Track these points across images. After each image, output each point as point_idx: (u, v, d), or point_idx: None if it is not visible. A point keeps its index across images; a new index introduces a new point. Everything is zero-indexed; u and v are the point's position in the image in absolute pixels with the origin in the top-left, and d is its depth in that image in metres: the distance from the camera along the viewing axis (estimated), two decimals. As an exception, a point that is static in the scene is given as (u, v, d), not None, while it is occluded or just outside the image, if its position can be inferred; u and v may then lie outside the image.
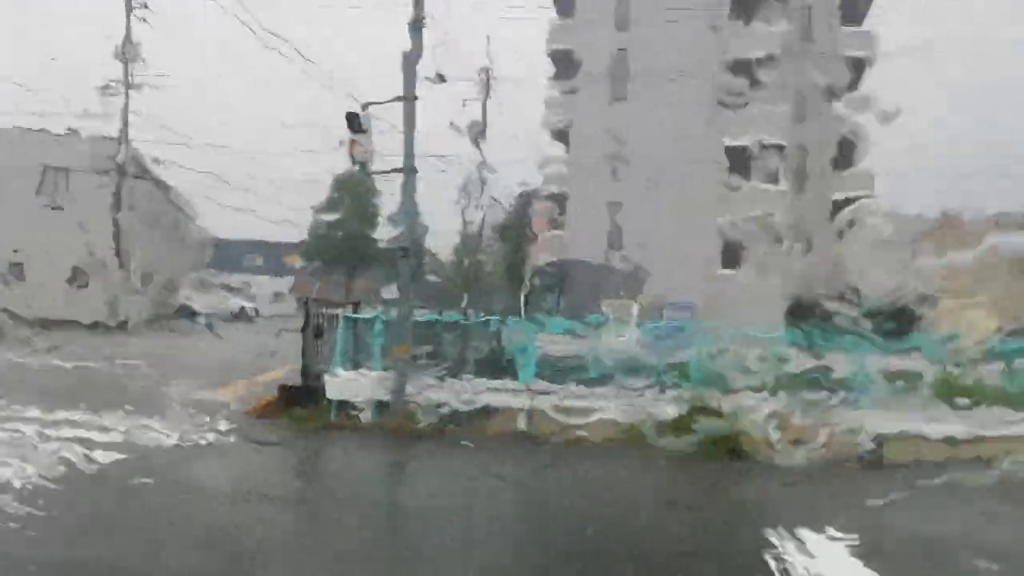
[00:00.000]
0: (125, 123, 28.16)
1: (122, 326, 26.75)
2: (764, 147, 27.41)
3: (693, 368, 12.11)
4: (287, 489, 8.53)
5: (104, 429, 9.46)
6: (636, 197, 27.72)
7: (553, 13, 32.14)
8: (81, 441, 8.65)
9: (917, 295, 11.90)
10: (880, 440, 10.34)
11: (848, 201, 27.31)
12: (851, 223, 25.38)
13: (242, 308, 35.72)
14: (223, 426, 10.34)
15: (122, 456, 8.39)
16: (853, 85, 28.89)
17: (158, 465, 8.37)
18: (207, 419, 10.52)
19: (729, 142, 27.84)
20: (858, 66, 28.43)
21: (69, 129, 28.03)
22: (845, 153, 28.49)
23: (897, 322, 13.99)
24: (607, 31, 29.59)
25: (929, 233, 20.99)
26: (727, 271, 26.88)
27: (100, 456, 8.25)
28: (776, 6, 27.45)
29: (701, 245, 26.88)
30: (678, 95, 26.61)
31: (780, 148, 27.65)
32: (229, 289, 36.60)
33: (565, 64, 31.04)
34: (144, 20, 27.67)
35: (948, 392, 10.52)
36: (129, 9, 27.63)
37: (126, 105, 27.88)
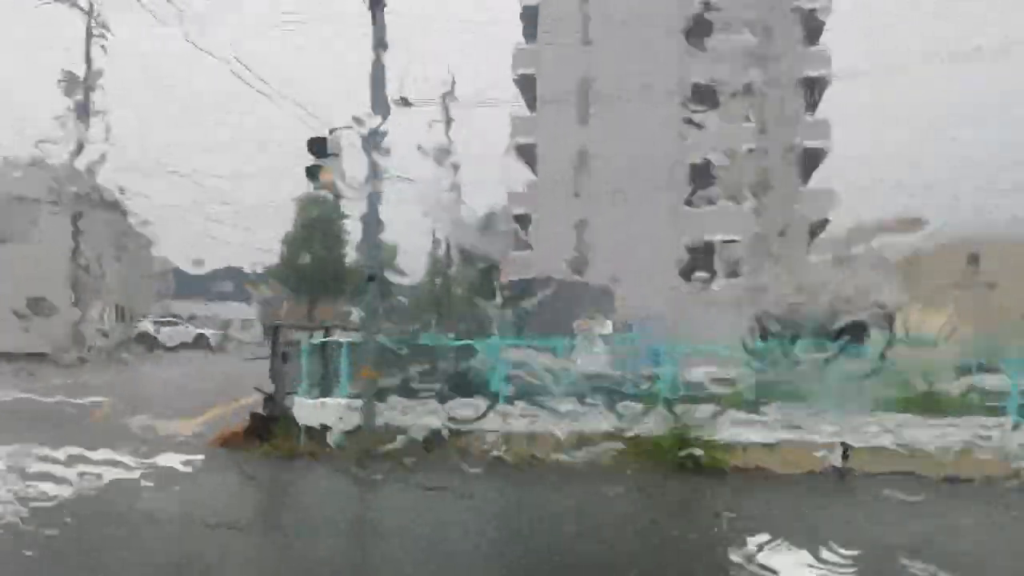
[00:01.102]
0: (81, 151, 27.64)
1: (81, 358, 26.10)
2: (731, 164, 27.75)
3: (666, 386, 12.14)
4: (245, 519, 8.29)
5: (60, 463, 9.14)
6: (602, 215, 27.87)
7: (519, 38, 32.41)
8: (38, 475, 8.37)
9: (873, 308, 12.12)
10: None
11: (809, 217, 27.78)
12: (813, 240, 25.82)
13: (201, 335, 35.14)
14: (185, 458, 10.06)
15: (79, 490, 8.13)
16: (813, 102, 29.47)
17: (116, 499, 8.12)
18: (169, 451, 10.23)
19: (693, 159, 28.17)
20: (816, 84, 28.99)
21: (28, 158, 27.42)
22: (807, 168, 29.02)
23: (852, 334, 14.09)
24: (572, 53, 29.84)
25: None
26: (693, 286, 27.07)
27: (55, 490, 7.98)
28: (735, 26, 27.96)
29: (666, 261, 27.06)
30: (642, 114, 26.92)
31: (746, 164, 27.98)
32: (189, 318, 36.08)
33: (530, 88, 31.25)
34: (102, 47, 27.29)
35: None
36: (90, 37, 27.25)
37: (85, 133, 27.40)
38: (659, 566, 6.64)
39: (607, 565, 6.57)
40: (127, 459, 9.58)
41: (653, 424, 10.92)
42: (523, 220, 31.58)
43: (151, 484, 8.79)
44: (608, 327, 23.77)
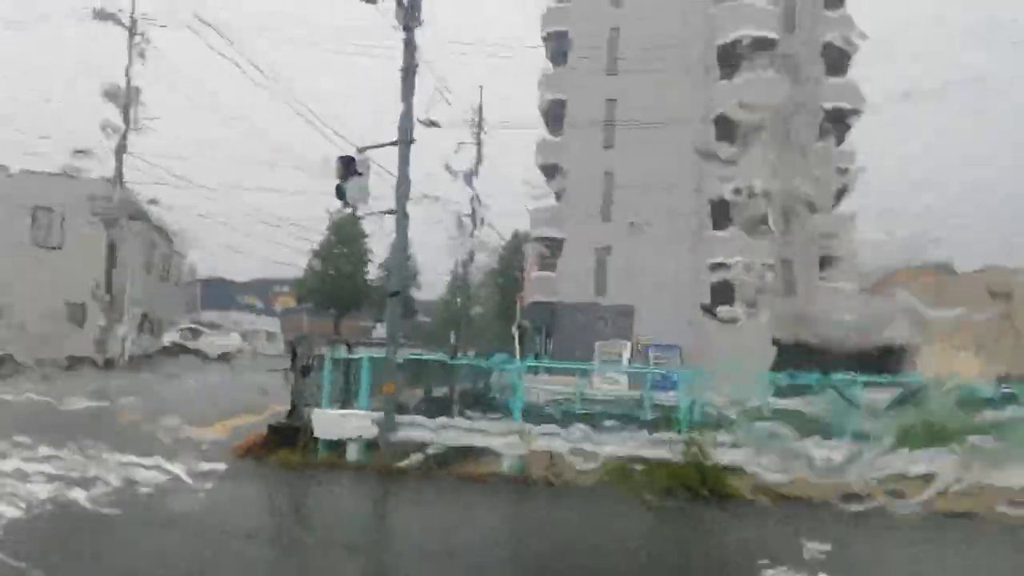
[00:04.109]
0: (120, 164, 28.32)
1: (111, 363, 26.57)
2: (752, 194, 27.78)
3: (685, 413, 12.19)
4: (262, 527, 8.43)
5: (89, 466, 9.36)
6: (624, 240, 28.01)
7: (547, 64, 32.80)
8: (66, 478, 8.58)
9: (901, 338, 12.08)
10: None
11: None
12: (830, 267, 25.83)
13: (242, 346, 35.57)
14: (209, 465, 10.24)
15: (103, 493, 8.32)
16: (839, 134, 29.48)
17: (140, 503, 8.30)
18: (194, 458, 10.42)
19: (717, 191, 28.25)
20: (842, 116, 28.98)
21: (64, 170, 28.11)
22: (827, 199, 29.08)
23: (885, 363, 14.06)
24: (597, 81, 30.13)
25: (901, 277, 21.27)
26: (714, 314, 27.04)
27: (81, 494, 8.18)
28: (761, 58, 28.09)
29: (687, 288, 27.05)
30: (666, 143, 27.09)
31: (767, 194, 27.96)
32: (216, 328, 36.53)
33: (556, 113, 31.54)
34: (141, 59, 27.93)
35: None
36: (131, 52, 27.93)
37: (122, 146, 28.06)
38: None
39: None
40: (145, 461, 9.75)
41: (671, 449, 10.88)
42: (548, 242, 31.78)
43: (166, 488, 8.94)
44: (627, 351, 23.78)
